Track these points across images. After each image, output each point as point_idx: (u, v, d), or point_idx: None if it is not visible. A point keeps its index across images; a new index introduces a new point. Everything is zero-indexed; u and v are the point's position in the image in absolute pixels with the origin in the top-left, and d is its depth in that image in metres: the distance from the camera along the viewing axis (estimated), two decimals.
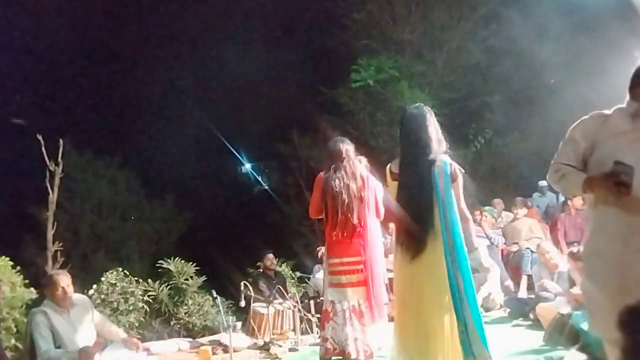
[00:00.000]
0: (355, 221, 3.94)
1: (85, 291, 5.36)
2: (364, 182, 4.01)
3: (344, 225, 3.95)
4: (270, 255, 6.50)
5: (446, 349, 3.08)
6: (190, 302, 6.32)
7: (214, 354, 4.81)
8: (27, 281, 5.32)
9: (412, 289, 3.19)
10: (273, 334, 5.35)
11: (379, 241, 4.22)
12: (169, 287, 6.41)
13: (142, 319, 5.84)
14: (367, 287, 3.93)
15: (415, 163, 3.22)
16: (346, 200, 3.93)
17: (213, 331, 6.05)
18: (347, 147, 4.05)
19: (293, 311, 5.37)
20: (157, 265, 6.63)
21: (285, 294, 5.63)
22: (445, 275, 3.09)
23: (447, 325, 3.09)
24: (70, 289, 3.95)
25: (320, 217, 4.10)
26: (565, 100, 7.36)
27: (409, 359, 3.18)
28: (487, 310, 5.91)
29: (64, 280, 3.93)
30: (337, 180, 3.96)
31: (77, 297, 4.15)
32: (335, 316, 3.94)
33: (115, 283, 5.74)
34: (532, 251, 6.53)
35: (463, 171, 3.28)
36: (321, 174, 4.11)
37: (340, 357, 3.91)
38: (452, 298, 3.07)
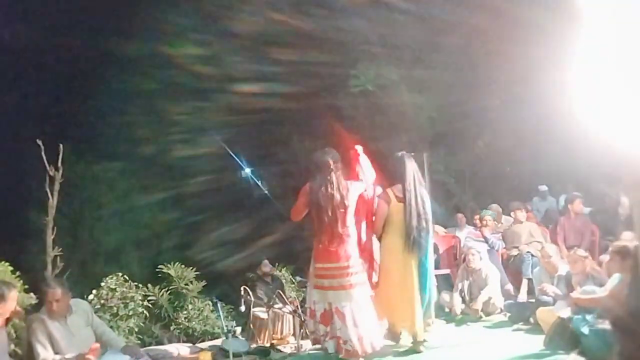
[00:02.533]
0: (340, 230, 4.23)
1: (85, 296, 5.35)
2: (348, 193, 4.25)
3: (330, 234, 4.24)
4: (266, 261, 6.47)
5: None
6: (190, 307, 6.30)
7: (213, 359, 4.80)
8: (26, 286, 5.31)
9: (408, 274, 4.54)
10: (273, 339, 5.34)
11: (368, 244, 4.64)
12: (168, 292, 6.39)
13: (141, 324, 5.82)
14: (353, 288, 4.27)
15: (417, 191, 4.60)
16: (330, 211, 4.22)
17: (213, 336, 6.03)
18: (333, 158, 4.29)
19: (293, 316, 5.36)
20: (157, 270, 6.62)
21: (285, 299, 5.62)
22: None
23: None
24: (61, 302, 3.94)
25: (299, 219, 4.58)
26: (567, 105, 7.36)
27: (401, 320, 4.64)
28: (487, 314, 5.91)
29: (54, 294, 3.92)
30: (322, 192, 4.21)
31: (76, 302, 4.16)
32: (316, 315, 4.33)
33: (115, 288, 5.73)
34: (532, 255, 6.53)
35: None
36: (307, 185, 4.45)
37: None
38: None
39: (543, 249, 5.56)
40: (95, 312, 4.74)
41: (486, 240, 6.83)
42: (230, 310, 6.30)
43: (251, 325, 5.55)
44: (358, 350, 4.14)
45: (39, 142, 5.71)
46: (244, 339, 5.44)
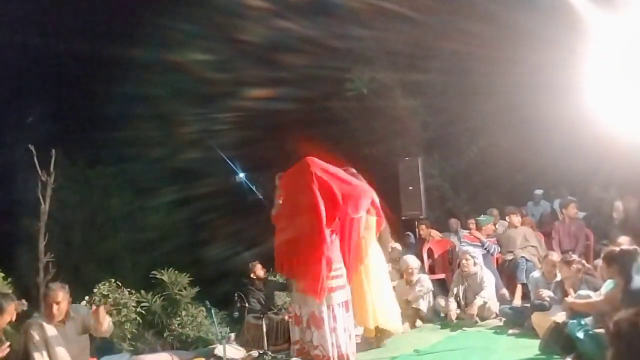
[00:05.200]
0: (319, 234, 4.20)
1: (78, 303, 5.30)
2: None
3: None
4: (259, 265, 6.42)
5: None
6: (183, 313, 6.24)
7: None
8: (18, 293, 5.25)
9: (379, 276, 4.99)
10: (267, 345, 5.29)
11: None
12: (162, 298, 6.34)
13: (134, 330, 5.77)
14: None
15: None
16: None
17: (207, 343, 5.98)
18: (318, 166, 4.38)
19: (287, 321, 5.33)
20: (151, 275, 6.56)
21: (279, 305, 5.59)
22: None
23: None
24: (63, 305, 3.90)
25: None
26: (560, 110, 7.39)
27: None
28: (482, 319, 5.89)
29: (55, 296, 3.87)
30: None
31: (74, 308, 4.12)
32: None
33: (108, 294, 5.69)
34: (526, 260, 6.53)
35: None
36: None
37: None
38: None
39: (547, 257, 5.55)
40: None
41: (482, 244, 6.82)
42: (225, 316, 6.25)
43: (245, 332, 5.50)
44: (331, 357, 4.10)
45: (31, 147, 5.67)
46: (238, 345, 5.40)
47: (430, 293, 6.24)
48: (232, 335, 5.50)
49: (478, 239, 6.91)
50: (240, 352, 5.14)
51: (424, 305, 6.07)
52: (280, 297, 6.56)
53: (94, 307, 4.00)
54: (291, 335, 4.48)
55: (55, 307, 3.84)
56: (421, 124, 10.64)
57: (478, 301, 5.88)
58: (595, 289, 4.46)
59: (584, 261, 5.12)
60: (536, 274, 5.61)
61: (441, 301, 6.24)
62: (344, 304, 4.29)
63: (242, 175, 14.44)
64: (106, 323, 4.08)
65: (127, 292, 5.88)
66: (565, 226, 6.97)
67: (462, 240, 7.23)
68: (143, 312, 5.97)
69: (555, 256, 5.50)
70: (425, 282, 6.25)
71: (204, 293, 6.58)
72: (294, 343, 4.37)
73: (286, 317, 5.31)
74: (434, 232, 7.93)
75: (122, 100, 11.34)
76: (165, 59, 11.47)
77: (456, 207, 10.49)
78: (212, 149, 12.23)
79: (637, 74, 5.05)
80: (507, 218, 7.21)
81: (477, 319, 5.88)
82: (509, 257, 6.77)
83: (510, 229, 7.08)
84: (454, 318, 5.99)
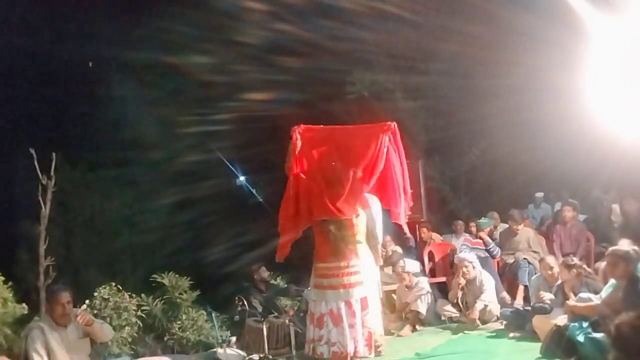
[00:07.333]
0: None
1: (78, 306, 5.28)
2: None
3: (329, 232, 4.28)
4: (263, 268, 6.46)
5: None
6: (184, 316, 6.22)
7: None
8: (18, 296, 5.27)
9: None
10: (268, 349, 5.29)
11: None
12: (162, 301, 6.32)
13: (135, 334, 5.76)
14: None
15: None
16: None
17: (207, 346, 5.97)
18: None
19: (288, 325, 5.32)
20: (151, 279, 6.55)
21: (280, 308, 5.59)
22: None
23: None
24: (70, 306, 3.94)
25: None
26: (561, 112, 7.38)
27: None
28: (484, 322, 5.88)
29: (65, 296, 3.92)
30: None
31: (75, 312, 4.12)
32: (315, 318, 4.27)
33: (108, 298, 5.67)
34: (528, 262, 6.52)
35: None
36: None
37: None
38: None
39: (544, 261, 5.54)
40: None
41: (487, 246, 6.81)
42: (225, 320, 6.24)
43: (246, 335, 5.49)
44: (349, 353, 4.10)
45: (32, 150, 5.66)
46: (238, 349, 5.39)
47: (429, 295, 6.22)
48: (233, 338, 5.50)
49: (482, 240, 6.90)
50: (241, 355, 5.13)
51: (422, 308, 6.05)
52: (281, 301, 6.55)
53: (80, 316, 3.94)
54: (307, 333, 4.48)
55: (68, 307, 3.87)
56: (422, 127, 10.64)
57: (479, 305, 5.87)
58: (596, 292, 4.45)
59: (584, 265, 5.12)
60: (537, 276, 5.61)
61: (441, 304, 6.23)
62: (362, 300, 4.27)
63: (242, 178, 14.43)
64: (105, 329, 4.10)
65: (127, 296, 5.86)
66: (566, 229, 6.97)
67: (462, 243, 7.20)
68: (143, 315, 5.95)
69: (552, 259, 5.49)
70: (423, 283, 6.24)
71: (204, 296, 6.57)
72: (309, 341, 4.35)
73: (287, 321, 5.30)
74: (435, 235, 7.92)
75: (122, 103, 11.35)
76: (165, 62, 11.47)
77: (457, 209, 10.48)
78: (213, 151, 12.21)
79: (638, 77, 5.06)
80: (509, 222, 7.20)
81: (478, 322, 5.87)
82: (510, 259, 6.76)
83: (512, 232, 7.07)
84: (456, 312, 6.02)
